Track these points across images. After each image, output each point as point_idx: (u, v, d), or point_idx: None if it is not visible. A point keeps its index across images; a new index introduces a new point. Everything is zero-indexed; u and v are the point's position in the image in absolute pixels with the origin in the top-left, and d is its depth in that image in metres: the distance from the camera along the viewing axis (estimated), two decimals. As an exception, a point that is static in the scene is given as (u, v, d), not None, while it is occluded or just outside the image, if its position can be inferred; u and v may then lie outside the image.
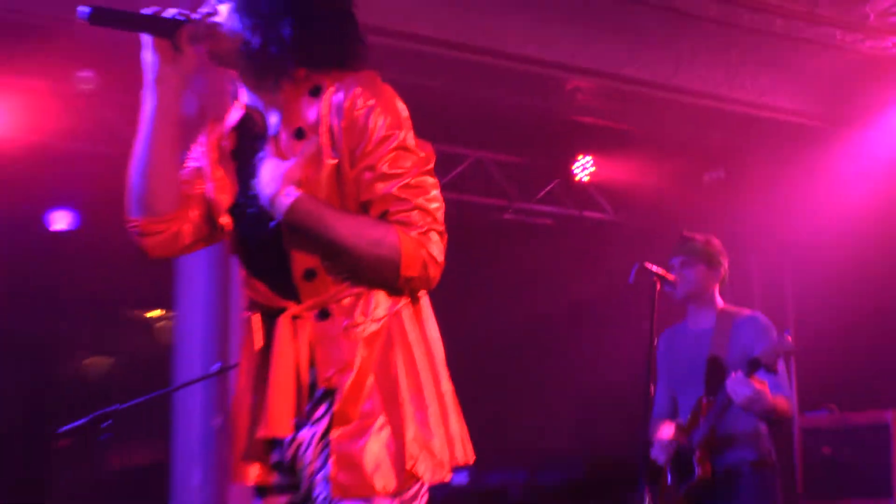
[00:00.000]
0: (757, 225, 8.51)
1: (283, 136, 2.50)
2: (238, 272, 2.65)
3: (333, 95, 2.45)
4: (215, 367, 5.06)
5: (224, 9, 2.50)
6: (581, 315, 8.78)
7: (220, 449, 5.93)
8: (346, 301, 2.45)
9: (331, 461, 2.39)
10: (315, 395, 2.45)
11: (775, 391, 4.76)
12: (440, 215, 2.46)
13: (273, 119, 2.54)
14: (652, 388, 4.88)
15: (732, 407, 4.75)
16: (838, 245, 7.65)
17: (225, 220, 2.59)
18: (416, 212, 2.41)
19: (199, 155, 2.67)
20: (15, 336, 8.30)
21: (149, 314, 9.25)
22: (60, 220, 7.44)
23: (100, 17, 2.40)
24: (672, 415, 5.12)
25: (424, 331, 2.52)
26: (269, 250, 2.48)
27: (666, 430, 5.02)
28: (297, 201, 2.39)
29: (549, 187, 8.44)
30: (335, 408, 2.41)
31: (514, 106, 7.24)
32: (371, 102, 2.43)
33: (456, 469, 2.54)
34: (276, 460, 2.51)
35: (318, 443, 2.43)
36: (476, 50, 6.39)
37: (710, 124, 7.51)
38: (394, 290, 2.46)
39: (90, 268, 7.58)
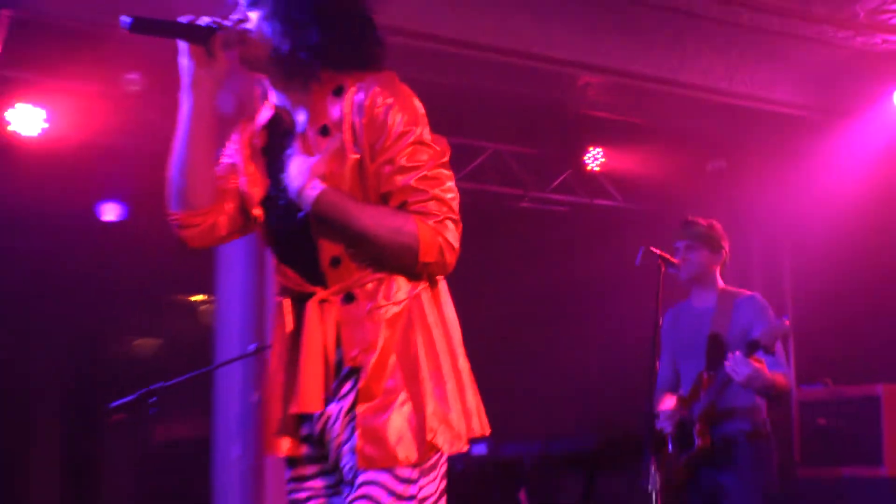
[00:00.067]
0: (756, 210, 8.48)
1: (310, 134, 2.50)
2: (270, 260, 2.66)
3: (355, 95, 2.45)
4: (252, 347, 5.08)
5: (254, 15, 2.50)
6: (591, 295, 8.76)
7: (257, 423, 5.96)
8: (370, 285, 2.45)
9: (357, 434, 2.40)
10: (341, 373, 2.46)
11: (773, 368, 4.75)
12: (455, 205, 2.46)
13: (300, 117, 2.54)
14: (657, 363, 4.88)
15: (732, 384, 4.75)
16: (833, 228, 7.61)
17: (257, 211, 2.59)
18: (432, 202, 2.42)
19: (233, 152, 2.67)
20: (70, 320, 8.38)
21: (192, 299, 9.30)
22: (110, 212, 7.47)
23: (140, 25, 2.41)
24: (674, 387, 5.12)
25: (442, 312, 2.53)
26: (298, 239, 2.49)
27: (668, 402, 5.02)
28: (322, 193, 2.40)
29: (562, 177, 8.41)
30: (360, 385, 2.41)
31: (529, 101, 7.24)
32: (390, 101, 2.43)
33: (473, 440, 2.55)
34: (306, 433, 2.52)
35: (345, 417, 2.44)
36: (494, 49, 6.38)
37: (712, 116, 7.47)
38: (413, 274, 2.46)
39: (138, 256, 7.61)
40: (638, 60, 6.72)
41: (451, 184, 2.47)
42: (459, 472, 5.84)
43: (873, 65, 6.94)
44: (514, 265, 8.94)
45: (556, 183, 8.42)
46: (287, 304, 2.54)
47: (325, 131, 2.48)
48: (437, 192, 2.42)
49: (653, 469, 4.56)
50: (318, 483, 2.54)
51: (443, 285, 2.56)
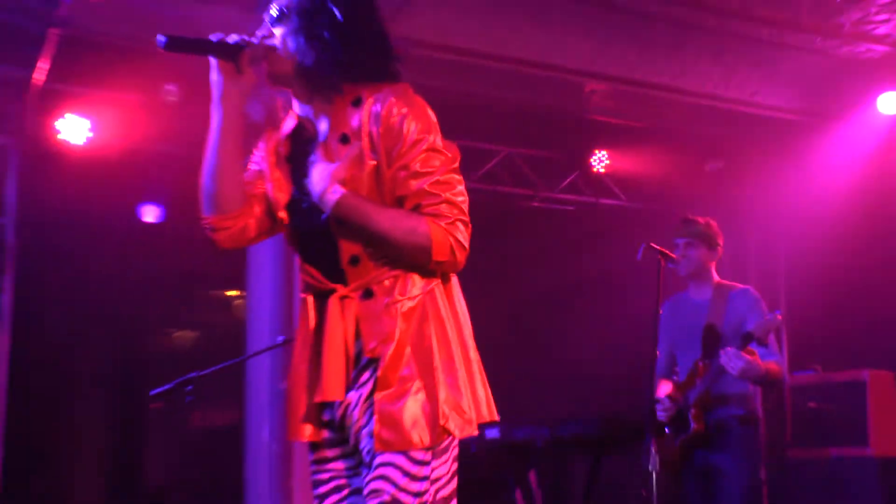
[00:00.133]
0: (752, 208, 8.46)
1: (331, 142, 2.51)
2: (296, 259, 2.68)
3: (372, 106, 2.47)
4: (280, 338, 5.09)
5: (279, 32, 2.52)
6: (597, 288, 8.77)
7: (285, 409, 5.98)
8: (387, 282, 2.47)
9: (375, 419, 2.41)
10: (360, 363, 2.48)
11: (766, 357, 4.75)
12: (465, 207, 2.47)
13: (322, 127, 2.55)
14: (658, 352, 4.88)
15: (726, 374, 4.75)
16: (824, 225, 7.59)
17: (282, 214, 2.61)
18: (444, 205, 2.43)
19: (260, 159, 2.69)
20: (113, 313, 8.42)
21: (226, 294, 9.33)
22: (150, 214, 7.50)
23: (174, 44, 2.42)
24: (669, 372, 5.13)
25: (454, 306, 2.54)
26: (320, 240, 2.51)
27: (665, 388, 5.03)
28: (342, 197, 2.42)
29: (570, 178, 8.41)
30: (378, 374, 2.43)
31: (539, 107, 7.26)
32: (404, 111, 2.44)
33: (483, 426, 2.57)
34: (328, 419, 2.54)
35: (364, 403, 2.46)
36: (505, 59, 6.39)
37: (710, 120, 7.46)
38: (427, 272, 2.48)
39: (176, 255, 7.65)
40: (641, 68, 6.71)
41: (461, 188, 2.48)
42: (473, 454, 5.85)
43: (857, 72, 6.93)
44: (525, 261, 8.96)
45: (564, 184, 8.42)
46: (310, 300, 2.56)
47: (344, 139, 2.49)
48: (448, 195, 2.44)
49: (653, 450, 4.56)
50: (339, 465, 2.55)
51: (455, 281, 2.58)
